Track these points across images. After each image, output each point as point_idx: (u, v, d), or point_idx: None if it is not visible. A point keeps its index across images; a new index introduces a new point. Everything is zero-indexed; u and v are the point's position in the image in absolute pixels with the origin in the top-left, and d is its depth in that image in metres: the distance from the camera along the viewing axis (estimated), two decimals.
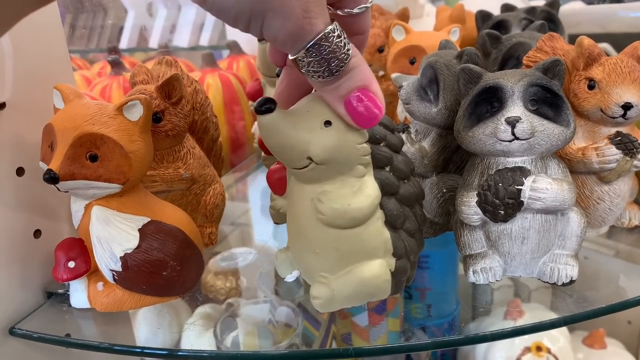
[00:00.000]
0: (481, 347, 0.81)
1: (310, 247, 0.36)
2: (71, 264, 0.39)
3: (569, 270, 0.39)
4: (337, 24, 0.29)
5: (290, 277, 0.39)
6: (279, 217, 0.53)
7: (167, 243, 0.39)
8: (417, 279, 0.52)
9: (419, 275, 0.48)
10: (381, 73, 0.67)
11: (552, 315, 0.65)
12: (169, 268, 0.38)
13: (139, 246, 0.37)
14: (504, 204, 0.37)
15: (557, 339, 0.77)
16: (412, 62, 0.57)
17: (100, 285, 0.40)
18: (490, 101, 0.38)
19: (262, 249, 0.65)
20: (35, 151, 0.41)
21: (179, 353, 0.45)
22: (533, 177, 0.37)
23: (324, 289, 0.35)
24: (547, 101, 0.37)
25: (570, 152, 0.43)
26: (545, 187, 0.36)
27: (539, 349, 0.75)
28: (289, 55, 0.29)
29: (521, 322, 0.76)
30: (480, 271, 0.40)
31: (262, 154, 0.51)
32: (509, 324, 0.74)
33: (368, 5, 0.32)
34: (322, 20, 0.28)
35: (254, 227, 0.72)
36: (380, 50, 0.66)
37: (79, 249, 0.40)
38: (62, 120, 0.37)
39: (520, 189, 0.37)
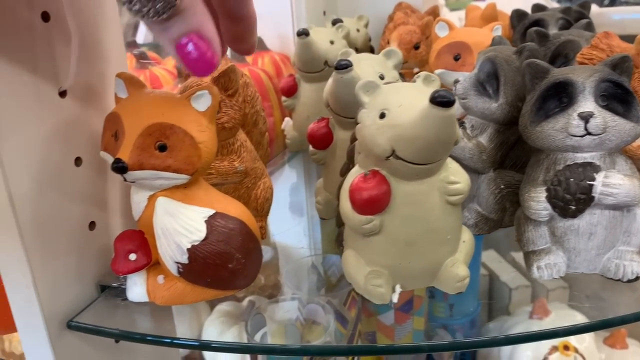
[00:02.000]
0: (507, 346, 0.81)
1: (442, 237, 0.37)
2: (132, 257, 0.38)
3: (634, 266, 0.39)
4: None
5: (395, 296, 0.38)
6: (325, 211, 0.52)
7: (233, 235, 0.38)
8: None
9: None
10: (416, 70, 0.67)
11: (575, 314, 0.65)
12: (234, 261, 0.38)
13: (206, 238, 0.37)
14: (575, 199, 0.37)
15: (584, 339, 0.77)
16: (456, 59, 0.56)
17: (160, 278, 0.39)
18: (559, 96, 0.38)
19: (284, 247, 0.65)
20: (92, 141, 0.41)
21: (213, 345, 0.44)
22: (604, 173, 0.37)
23: (465, 267, 0.38)
24: (618, 97, 0.37)
25: (630, 149, 0.43)
26: (618, 182, 0.36)
27: (566, 348, 0.75)
28: None
29: (548, 321, 0.76)
30: (545, 267, 0.40)
31: (310, 148, 0.50)
32: (539, 324, 0.75)
33: None
34: None
35: (284, 223, 0.71)
36: (416, 47, 0.66)
37: (139, 241, 0.39)
38: (129, 109, 0.36)
39: (592, 185, 0.37)
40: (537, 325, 0.75)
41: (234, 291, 0.40)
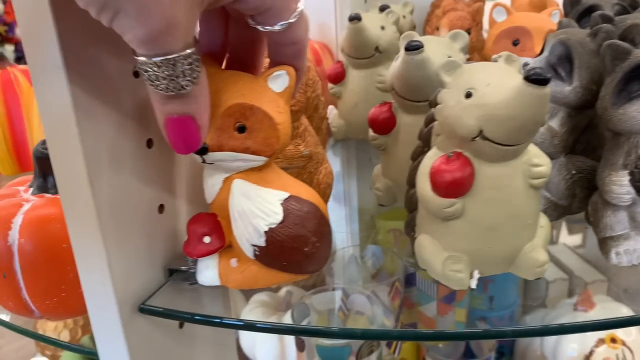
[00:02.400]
0: (550, 338, 0.80)
1: (524, 221, 0.36)
2: (206, 239, 0.38)
3: None
4: (195, 51, 0.28)
5: (474, 282, 0.38)
6: (385, 198, 0.52)
7: (308, 218, 0.37)
8: None
9: None
10: (466, 56, 0.66)
11: (620, 307, 0.64)
12: (310, 244, 0.37)
13: (283, 221, 0.36)
14: None
15: (630, 331, 0.76)
16: (515, 44, 0.55)
17: (234, 261, 0.39)
18: None
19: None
20: None
21: (258, 325, 0.44)
22: None
23: (544, 252, 0.37)
24: None
25: None
26: None
27: (613, 340, 0.74)
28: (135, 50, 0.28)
29: (593, 313, 0.75)
30: (624, 253, 0.39)
31: (370, 132, 0.50)
32: (584, 316, 0.73)
33: (291, 20, 0.31)
34: (179, 42, 0.27)
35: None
36: (467, 33, 0.65)
37: (213, 224, 0.38)
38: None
39: None
40: (582, 318, 0.74)
41: (306, 275, 0.40)
